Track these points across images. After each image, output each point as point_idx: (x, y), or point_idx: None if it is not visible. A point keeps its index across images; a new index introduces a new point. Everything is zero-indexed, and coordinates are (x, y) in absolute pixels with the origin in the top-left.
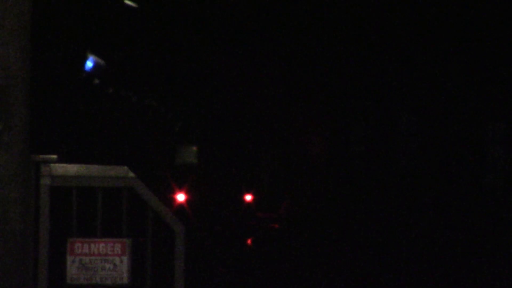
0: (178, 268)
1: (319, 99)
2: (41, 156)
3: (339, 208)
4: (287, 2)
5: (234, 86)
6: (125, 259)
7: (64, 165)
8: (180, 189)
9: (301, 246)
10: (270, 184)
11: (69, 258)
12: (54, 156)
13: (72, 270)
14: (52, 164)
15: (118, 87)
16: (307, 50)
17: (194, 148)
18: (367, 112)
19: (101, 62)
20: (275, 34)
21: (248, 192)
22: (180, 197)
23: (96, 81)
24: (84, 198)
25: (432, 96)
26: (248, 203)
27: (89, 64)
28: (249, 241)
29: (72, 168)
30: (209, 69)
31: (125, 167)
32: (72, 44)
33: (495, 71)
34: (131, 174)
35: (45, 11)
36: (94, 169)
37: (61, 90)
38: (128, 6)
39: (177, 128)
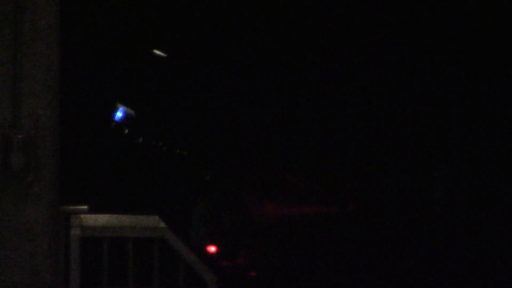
0: None
1: (351, 149)
2: (71, 207)
3: (370, 254)
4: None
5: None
6: None
7: (94, 215)
8: None
9: None
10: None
11: None
12: (84, 207)
13: None
14: (82, 215)
15: (148, 137)
16: (335, 107)
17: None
18: (400, 162)
19: (131, 112)
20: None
21: (211, 243)
22: None
23: (126, 131)
24: (115, 247)
25: (465, 146)
26: (212, 254)
27: (119, 114)
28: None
29: (102, 219)
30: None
31: (156, 217)
32: (102, 94)
33: None
34: (162, 224)
35: (74, 63)
36: (124, 219)
37: (90, 140)
38: (157, 55)
39: (208, 177)
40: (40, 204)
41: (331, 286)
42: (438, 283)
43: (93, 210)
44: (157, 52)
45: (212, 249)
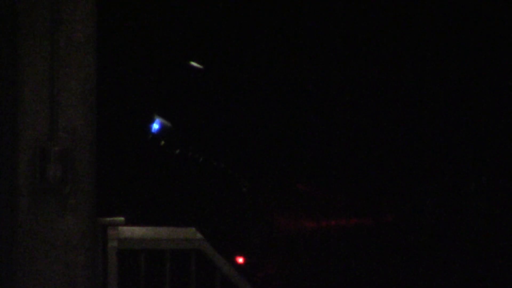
0: None
1: (388, 159)
2: (108, 218)
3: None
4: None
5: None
6: None
7: (131, 227)
8: None
9: None
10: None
11: None
12: (122, 219)
13: None
14: (119, 227)
15: (184, 149)
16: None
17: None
18: (436, 172)
19: (168, 123)
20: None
21: (239, 254)
22: None
23: (163, 142)
24: (152, 259)
25: (501, 154)
26: (240, 265)
27: (156, 126)
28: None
29: (139, 231)
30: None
31: (193, 229)
32: (138, 106)
33: None
34: (199, 236)
35: (111, 74)
36: (161, 231)
37: (127, 152)
38: (193, 67)
39: (244, 188)
40: (77, 216)
41: None
42: None
43: (130, 221)
44: (193, 63)
45: (240, 260)
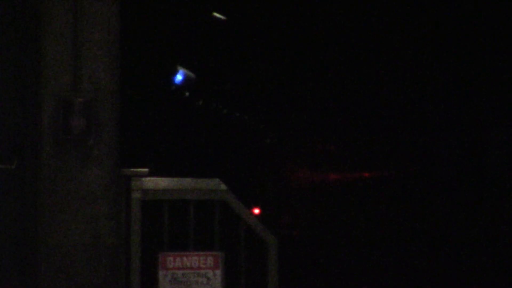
0: (272, 281)
1: (410, 109)
2: (132, 170)
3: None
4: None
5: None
6: (218, 272)
7: (155, 178)
8: None
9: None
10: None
11: (161, 273)
12: (145, 170)
13: (165, 284)
14: (143, 178)
15: (208, 100)
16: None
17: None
18: (457, 121)
19: (191, 74)
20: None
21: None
22: None
23: (186, 94)
24: (176, 211)
25: None
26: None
27: (179, 77)
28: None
29: (163, 182)
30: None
31: (217, 180)
32: (162, 57)
33: None
34: (223, 187)
35: (135, 25)
36: (185, 182)
37: (151, 104)
38: (217, 18)
39: (268, 141)
40: (100, 167)
41: (369, 245)
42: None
43: (154, 173)
44: (216, 15)
45: (256, 211)
